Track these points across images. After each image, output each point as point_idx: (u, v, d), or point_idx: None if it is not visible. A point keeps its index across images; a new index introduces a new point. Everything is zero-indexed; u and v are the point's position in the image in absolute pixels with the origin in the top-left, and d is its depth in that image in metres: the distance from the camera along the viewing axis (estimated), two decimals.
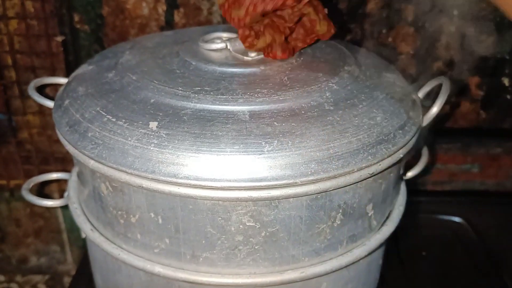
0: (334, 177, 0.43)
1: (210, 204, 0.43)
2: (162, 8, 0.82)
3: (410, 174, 0.65)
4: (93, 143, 0.45)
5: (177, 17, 0.82)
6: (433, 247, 0.81)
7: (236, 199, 0.42)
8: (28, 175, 0.93)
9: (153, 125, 0.44)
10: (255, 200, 0.43)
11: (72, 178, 0.59)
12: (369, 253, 0.52)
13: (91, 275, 0.63)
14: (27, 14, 0.78)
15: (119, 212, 0.48)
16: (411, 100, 0.53)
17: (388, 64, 0.60)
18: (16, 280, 1.06)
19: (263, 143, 0.42)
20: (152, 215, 0.45)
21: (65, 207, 0.72)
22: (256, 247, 0.46)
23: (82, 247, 1.01)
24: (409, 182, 0.64)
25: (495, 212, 0.89)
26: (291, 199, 0.43)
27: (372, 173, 0.45)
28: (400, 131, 0.48)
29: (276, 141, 0.42)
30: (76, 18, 0.82)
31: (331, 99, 0.48)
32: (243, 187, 0.41)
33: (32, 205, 0.97)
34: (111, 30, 0.83)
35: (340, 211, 0.47)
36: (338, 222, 0.47)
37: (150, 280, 0.50)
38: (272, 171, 0.41)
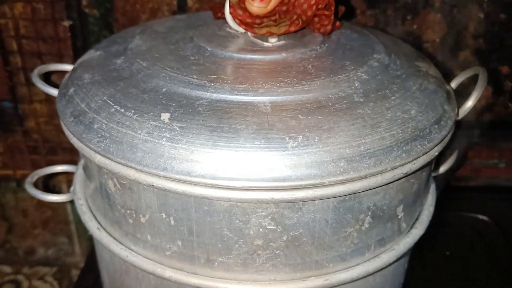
0: (365, 177, 0.39)
1: (227, 205, 0.39)
2: None
3: (440, 170, 0.61)
4: (100, 135, 0.41)
5: (191, 1, 0.78)
6: (457, 246, 0.77)
7: (257, 201, 0.38)
8: (35, 165, 0.90)
9: (165, 117, 0.40)
10: (277, 202, 0.39)
11: (78, 171, 0.55)
12: (398, 258, 0.48)
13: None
14: None
15: (128, 211, 0.44)
16: (446, 92, 0.49)
17: (419, 53, 0.55)
18: (23, 272, 1.03)
19: (287, 138, 0.38)
20: (164, 215, 0.42)
21: None
22: (276, 252, 0.42)
23: (90, 239, 0.98)
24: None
25: None
26: (317, 201, 0.39)
27: (406, 173, 0.41)
28: (436, 126, 0.44)
29: (301, 136, 0.38)
30: (84, 1, 0.78)
31: (361, 90, 0.43)
32: (264, 187, 0.37)
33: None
34: (121, 14, 0.79)
35: (369, 213, 0.43)
36: (367, 226, 0.43)
37: (160, 284, 0.46)
38: (297, 170, 0.37)
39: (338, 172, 0.38)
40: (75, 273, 1.03)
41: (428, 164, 0.44)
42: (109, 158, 0.40)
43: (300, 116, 0.40)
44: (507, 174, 0.87)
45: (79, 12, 0.78)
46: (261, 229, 0.40)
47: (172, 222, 0.42)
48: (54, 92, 0.56)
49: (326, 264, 0.43)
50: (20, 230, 1.01)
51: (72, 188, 0.55)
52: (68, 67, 0.62)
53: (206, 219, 0.40)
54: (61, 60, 0.79)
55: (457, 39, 0.80)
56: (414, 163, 0.42)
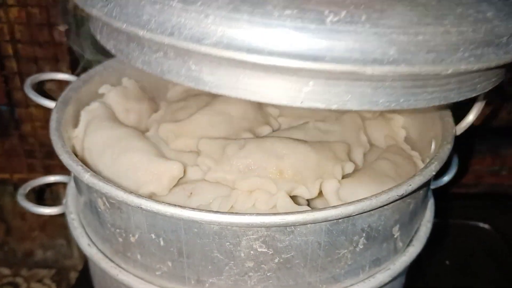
0: (419, 75, 0.33)
1: (217, 228, 0.38)
2: None
3: (440, 182, 0.60)
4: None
5: None
6: (458, 256, 0.76)
7: (247, 225, 0.37)
8: (32, 169, 0.89)
9: None
10: (267, 226, 0.38)
11: (71, 183, 0.55)
12: (394, 278, 0.47)
13: None
14: (27, 1, 0.73)
15: (117, 230, 0.43)
16: None
17: None
18: (21, 274, 1.03)
19: (327, 11, 0.31)
20: (153, 236, 0.41)
21: None
22: (268, 274, 0.41)
23: None
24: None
25: None
26: (309, 224, 0.38)
27: (402, 195, 0.40)
28: None
29: (344, 11, 0.31)
30: None
31: None
32: (289, 67, 0.31)
33: (37, 199, 0.94)
34: None
35: (364, 235, 0.42)
36: (361, 247, 0.42)
37: None
38: (334, 51, 0.30)
39: (386, 61, 0.31)
40: (73, 275, 1.02)
41: (424, 184, 0.43)
42: (112, 24, 0.35)
43: None
44: (509, 181, 0.86)
45: (75, 17, 0.77)
46: (252, 252, 0.40)
47: (162, 243, 0.41)
48: (48, 104, 0.56)
49: (319, 285, 0.43)
50: (18, 233, 1.01)
51: (64, 201, 0.54)
52: (61, 75, 0.61)
53: (196, 241, 0.40)
54: (56, 64, 0.78)
55: None
56: (410, 184, 0.40)
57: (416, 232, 0.50)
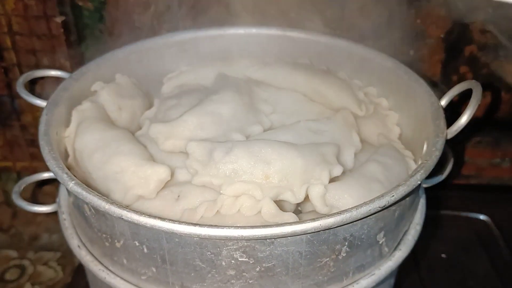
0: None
1: (197, 238, 0.39)
2: None
3: (433, 181, 0.59)
4: None
5: None
6: (454, 249, 0.76)
7: (225, 238, 0.37)
8: (34, 158, 0.90)
9: None
10: (246, 240, 0.38)
11: None
12: (379, 283, 0.47)
13: None
14: None
15: (104, 235, 0.44)
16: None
17: None
18: (28, 256, 1.05)
19: None
20: (137, 243, 0.41)
21: None
22: (250, 282, 0.41)
23: None
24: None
25: None
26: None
27: (384, 206, 0.40)
28: None
29: None
30: None
31: None
32: None
33: (41, 185, 0.96)
34: (113, 8, 0.77)
35: (346, 243, 0.42)
36: (344, 255, 0.42)
37: None
38: None
39: None
40: (78, 259, 1.04)
41: (410, 193, 0.43)
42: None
43: None
44: (510, 174, 0.85)
45: (72, 6, 0.77)
46: (233, 261, 0.40)
47: (145, 250, 0.41)
48: (39, 103, 0.56)
49: None
50: (24, 217, 1.03)
51: (57, 199, 0.55)
52: (55, 72, 0.61)
53: (177, 249, 0.40)
54: (54, 56, 0.78)
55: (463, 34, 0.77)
56: (393, 195, 0.40)
57: (404, 235, 0.50)
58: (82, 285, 0.73)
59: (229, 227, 0.37)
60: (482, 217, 0.80)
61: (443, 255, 0.75)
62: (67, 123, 0.55)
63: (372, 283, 0.46)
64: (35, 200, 0.95)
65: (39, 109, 0.83)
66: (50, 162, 0.44)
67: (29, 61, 0.78)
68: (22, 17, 0.75)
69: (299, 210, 0.50)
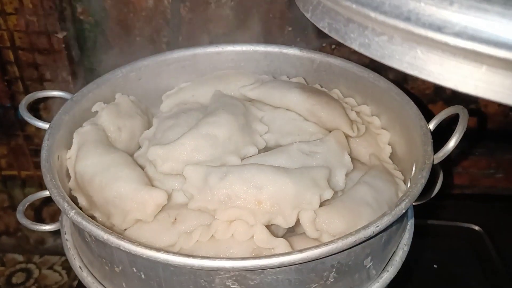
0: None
1: (191, 268, 0.41)
2: (167, 0, 0.77)
3: (422, 200, 0.61)
4: None
5: (183, 11, 0.77)
6: (446, 259, 0.78)
7: (218, 269, 0.40)
8: (38, 167, 0.92)
9: None
10: (238, 271, 0.40)
11: None
12: None
13: None
14: (25, 10, 0.75)
15: (104, 260, 0.46)
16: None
17: None
18: (33, 260, 1.08)
19: None
20: (135, 270, 0.44)
21: None
22: None
23: None
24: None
25: None
26: None
27: (369, 236, 0.42)
28: None
29: None
30: (80, 9, 0.78)
31: None
32: None
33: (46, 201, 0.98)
34: (115, 24, 0.79)
35: (334, 270, 0.44)
36: (332, 280, 0.44)
37: None
38: None
39: None
40: None
41: (396, 221, 0.45)
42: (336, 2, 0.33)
43: None
44: (504, 184, 0.86)
45: (74, 20, 0.79)
46: None
47: (143, 276, 0.44)
48: (40, 125, 0.58)
49: None
50: (30, 220, 1.05)
51: (61, 218, 0.57)
52: (57, 93, 0.63)
53: (173, 278, 0.42)
54: (56, 70, 0.79)
55: None
56: (378, 225, 0.42)
57: (392, 256, 0.52)
58: None
59: (220, 258, 0.39)
60: (475, 227, 0.82)
61: (435, 266, 0.77)
62: (69, 145, 0.57)
63: None
64: (39, 215, 0.98)
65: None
66: (51, 191, 0.46)
67: (32, 74, 0.80)
68: (24, 32, 0.77)
69: (293, 230, 0.52)
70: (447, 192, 0.88)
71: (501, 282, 0.74)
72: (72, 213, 0.43)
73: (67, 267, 1.07)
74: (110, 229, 0.44)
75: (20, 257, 1.08)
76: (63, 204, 0.45)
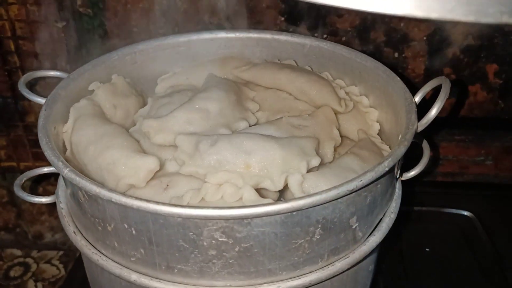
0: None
1: (180, 219, 0.42)
2: None
3: (409, 175, 0.62)
4: None
5: (180, 1, 0.80)
6: (438, 243, 0.79)
7: (205, 217, 0.41)
8: (37, 158, 0.94)
9: None
10: (225, 219, 0.41)
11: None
12: (353, 265, 0.50)
13: None
14: None
15: (96, 220, 0.47)
16: None
17: None
18: (32, 255, 1.09)
19: None
20: (126, 226, 0.45)
21: None
22: (230, 261, 0.45)
23: None
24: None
25: (508, 207, 0.85)
26: (264, 217, 0.42)
27: (352, 190, 0.43)
28: None
29: None
30: (79, 1, 0.81)
31: None
32: None
33: (44, 184, 0.99)
34: (113, 14, 0.81)
35: (319, 226, 0.45)
36: (318, 237, 0.46)
37: (129, 286, 0.50)
38: None
39: None
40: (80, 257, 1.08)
41: (380, 178, 0.46)
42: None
43: None
44: (494, 171, 0.88)
45: (73, 12, 0.81)
46: (213, 241, 0.43)
47: (134, 232, 0.45)
48: (39, 100, 0.60)
49: (279, 272, 0.46)
50: (28, 216, 1.06)
51: (56, 191, 0.59)
52: (52, 73, 0.65)
53: (162, 231, 0.43)
54: (55, 60, 0.82)
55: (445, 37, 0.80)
56: (361, 180, 0.44)
57: (379, 223, 0.53)
58: (79, 277, 0.76)
59: (207, 207, 0.41)
60: (465, 213, 0.83)
61: (427, 249, 0.78)
62: (65, 119, 0.58)
63: (347, 266, 0.49)
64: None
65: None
66: (47, 152, 0.48)
67: (32, 64, 0.83)
68: (24, 22, 0.79)
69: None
70: (438, 180, 0.89)
71: (492, 264, 0.75)
72: (66, 171, 0.45)
73: (65, 261, 1.08)
74: None
75: (18, 252, 1.09)
76: (58, 163, 0.46)
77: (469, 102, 0.85)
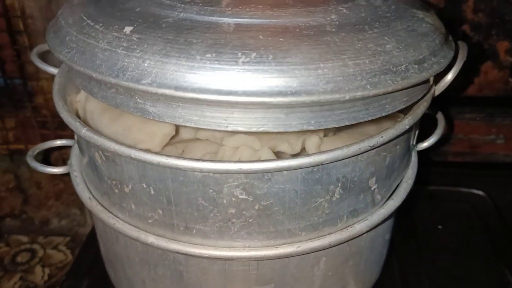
0: (318, 103, 0.39)
1: (200, 176, 0.42)
2: None
3: (424, 144, 0.62)
4: (69, 47, 0.43)
5: None
6: (450, 221, 0.79)
7: (226, 171, 0.41)
8: (45, 140, 0.93)
9: (128, 29, 0.41)
10: (245, 173, 0.41)
11: (75, 145, 0.59)
12: (372, 228, 0.50)
13: None
14: None
15: (113, 182, 0.47)
16: (440, 38, 0.46)
17: (425, 5, 0.52)
18: (38, 241, 1.09)
19: (239, 54, 0.38)
20: (144, 185, 0.44)
21: None
22: (250, 221, 0.44)
23: None
24: (427, 152, 0.61)
25: None
26: (285, 172, 0.42)
27: (373, 146, 0.43)
28: (416, 66, 0.41)
29: (255, 53, 0.38)
30: None
31: (336, 22, 0.42)
32: (209, 100, 0.38)
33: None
34: None
35: (339, 185, 0.45)
36: (337, 196, 0.45)
37: (146, 251, 0.49)
38: (246, 87, 0.37)
39: (289, 93, 0.37)
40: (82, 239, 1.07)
41: (399, 135, 0.46)
42: (73, 67, 0.43)
43: (260, 36, 0.39)
44: (505, 150, 0.87)
45: None
46: (233, 199, 0.43)
47: (152, 192, 0.44)
48: (52, 70, 0.60)
49: (298, 232, 0.46)
50: (35, 201, 1.06)
51: (69, 161, 0.58)
52: None
53: (182, 189, 0.43)
54: None
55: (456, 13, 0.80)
56: (382, 136, 0.43)
57: (397, 188, 0.53)
58: (86, 262, 0.75)
59: (229, 161, 0.40)
60: (477, 191, 0.83)
61: (440, 226, 0.78)
62: (78, 89, 0.58)
63: (366, 228, 0.48)
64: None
65: (50, 91, 0.87)
66: (63, 114, 0.48)
67: (41, 43, 0.82)
68: (33, 0, 0.79)
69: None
70: (449, 160, 0.89)
71: (502, 240, 0.74)
72: (84, 130, 0.45)
73: (72, 247, 1.08)
74: None
75: (25, 238, 1.09)
76: (75, 124, 0.46)
77: (478, 81, 0.84)
